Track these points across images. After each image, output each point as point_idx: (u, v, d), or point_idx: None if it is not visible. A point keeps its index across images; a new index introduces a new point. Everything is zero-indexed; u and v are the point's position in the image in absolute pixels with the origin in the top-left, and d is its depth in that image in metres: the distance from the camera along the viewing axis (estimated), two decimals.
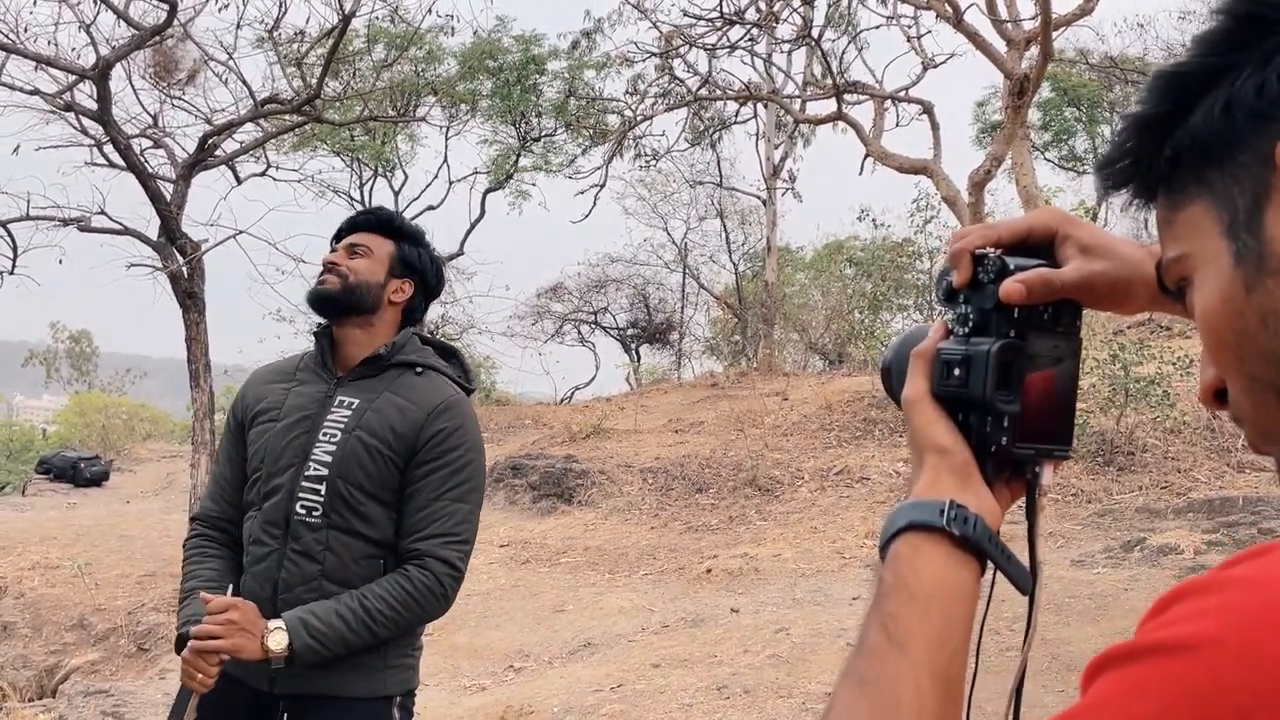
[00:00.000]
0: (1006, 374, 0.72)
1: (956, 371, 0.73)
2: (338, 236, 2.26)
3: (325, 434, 2.09)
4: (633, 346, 22.51)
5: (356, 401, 2.12)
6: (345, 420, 2.10)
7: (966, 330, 0.75)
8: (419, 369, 2.16)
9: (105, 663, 7.55)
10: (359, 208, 21.69)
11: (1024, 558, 0.75)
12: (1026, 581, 0.73)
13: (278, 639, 1.93)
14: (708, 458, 10.73)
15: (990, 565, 0.72)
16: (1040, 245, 0.77)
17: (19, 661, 6.25)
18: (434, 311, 21.04)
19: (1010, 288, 0.72)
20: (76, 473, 14.66)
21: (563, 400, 20.47)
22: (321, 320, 2.22)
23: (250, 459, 2.16)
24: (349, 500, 2.05)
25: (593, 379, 22.35)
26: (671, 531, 9.12)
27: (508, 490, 10.48)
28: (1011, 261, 0.74)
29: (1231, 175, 0.57)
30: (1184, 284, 0.62)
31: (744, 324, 20.86)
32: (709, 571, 7.67)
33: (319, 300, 2.16)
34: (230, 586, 2.04)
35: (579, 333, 22.72)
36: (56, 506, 13.05)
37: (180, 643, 2.01)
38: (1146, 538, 6.67)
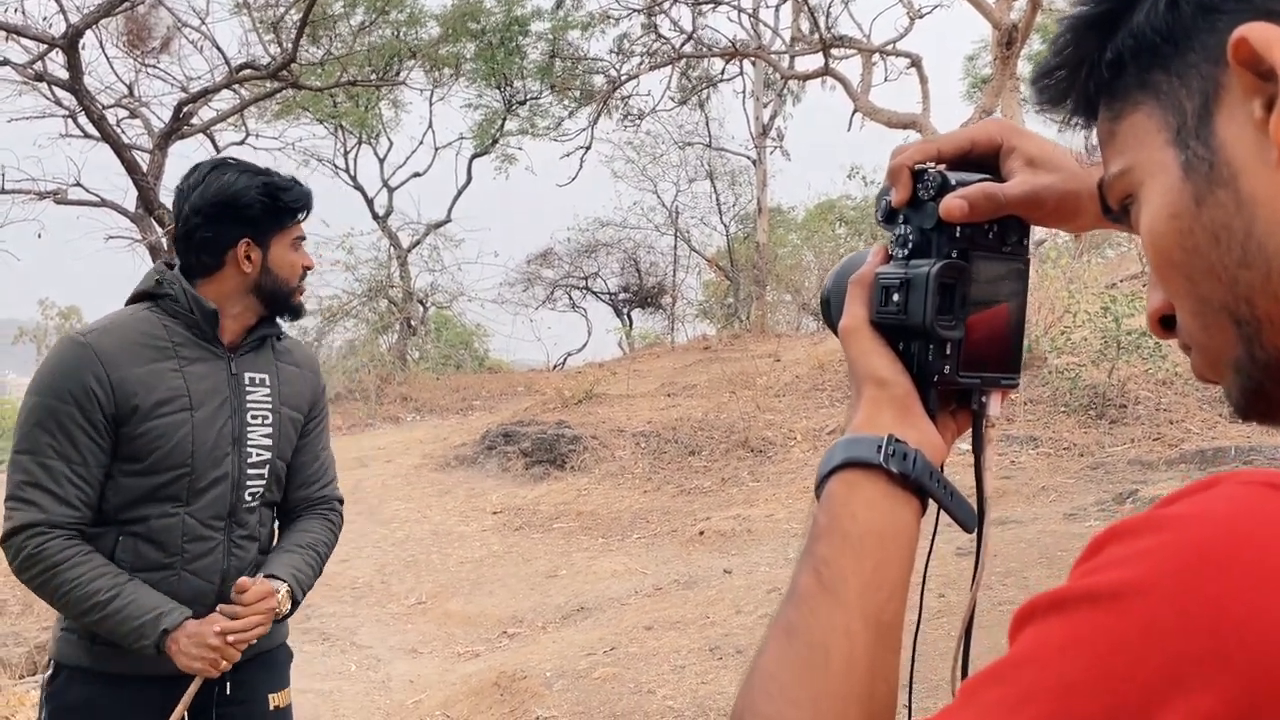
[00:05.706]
0: (949, 297, 0.66)
1: (895, 297, 0.68)
2: (292, 212, 1.99)
3: (255, 415, 2.00)
4: (625, 311, 22.41)
5: (265, 376, 2.04)
6: (268, 398, 2.03)
7: (906, 252, 0.69)
8: (279, 334, 2.10)
9: None
10: (344, 177, 21.50)
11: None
12: (971, 520, 0.68)
13: (284, 601, 1.95)
14: (700, 420, 10.69)
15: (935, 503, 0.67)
16: (984, 159, 0.71)
17: (11, 638, 6.21)
18: (424, 280, 20.91)
19: (951, 204, 0.66)
20: None
21: (555, 366, 20.40)
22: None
23: (159, 454, 1.89)
24: (280, 475, 2.07)
25: (585, 345, 22.29)
26: (664, 494, 9.10)
27: (500, 457, 10.43)
28: (953, 176, 0.68)
29: (1179, 76, 0.51)
30: (1129, 201, 0.56)
31: (736, 286, 20.77)
32: (702, 533, 7.65)
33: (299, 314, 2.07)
34: (260, 573, 1.98)
35: (570, 298, 22.61)
36: None
37: (161, 638, 1.83)
38: (1139, 489, 6.66)
